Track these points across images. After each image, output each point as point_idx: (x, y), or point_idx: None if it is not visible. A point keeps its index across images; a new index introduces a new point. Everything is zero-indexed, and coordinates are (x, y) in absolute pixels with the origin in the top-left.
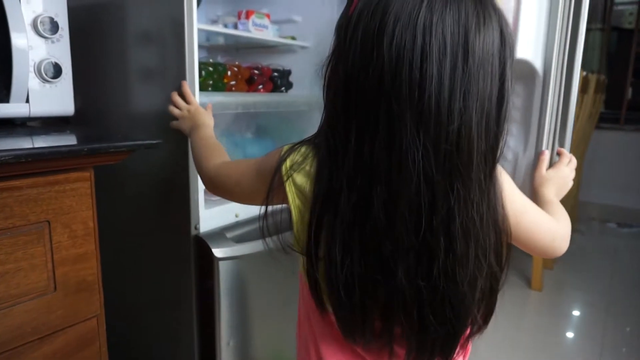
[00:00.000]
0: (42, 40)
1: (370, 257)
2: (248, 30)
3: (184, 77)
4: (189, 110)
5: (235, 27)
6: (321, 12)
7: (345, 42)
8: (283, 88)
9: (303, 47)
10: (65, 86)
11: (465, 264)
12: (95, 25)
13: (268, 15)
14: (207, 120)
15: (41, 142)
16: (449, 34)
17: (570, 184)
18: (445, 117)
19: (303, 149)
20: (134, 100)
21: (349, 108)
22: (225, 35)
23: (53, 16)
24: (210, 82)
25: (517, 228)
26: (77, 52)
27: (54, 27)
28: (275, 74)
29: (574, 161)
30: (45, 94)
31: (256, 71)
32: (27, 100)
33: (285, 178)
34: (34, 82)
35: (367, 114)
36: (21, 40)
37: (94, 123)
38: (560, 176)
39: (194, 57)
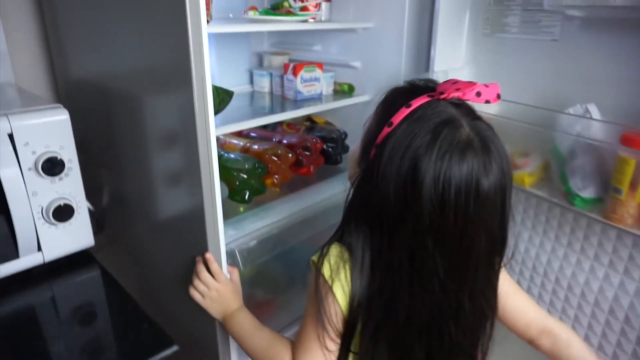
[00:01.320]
0: (48, 180)
1: (394, 348)
2: (296, 90)
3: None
4: (217, 290)
5: (281, 79)
6: (386, 59)
7: (381, 169)
8: (338, 156)
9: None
10: (81, 221)
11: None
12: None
13: (320, 65)
14: (239, 299)
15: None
16: (464, 184)
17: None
18: (458, 240)
19: (334, 252)
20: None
21: (383, 227)
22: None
23: (57, 151)
24: (247, 193)
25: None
26: None
27: (59, 164)
28: (329, 146)
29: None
30: (59, 236)
31: (305, 151)
32: (40, 249)
33: (330, 283)
34: (43, 228)
35: (397, 236)
36: (17, 190)
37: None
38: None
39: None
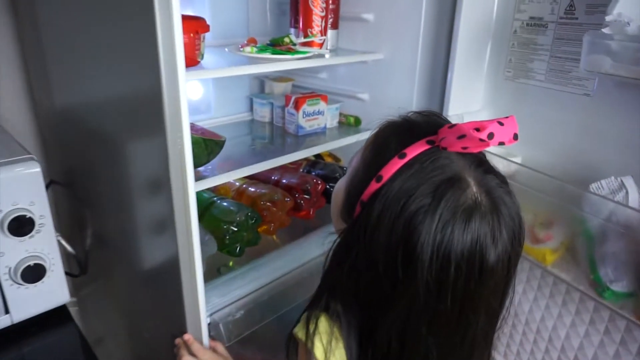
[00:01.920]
0: (16, 240)
1: None
2: (297, 125)
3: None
4: None
5: (283, 110)
6: (396, 93)
7: (369, 234)
8: None
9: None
10: (54, 279)
11: None
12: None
13: (325, 98)
14: None
15: None
16: (466, 258)
17: None
18: (455, 322)
19: (323, 328)
20: None
21: (372, 303)
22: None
23: (27, 208)
24: (237, 246)
25: None
26: None
27: (27, 224)
28: (332, 186)
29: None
30: (29, 296)
31: (305, 195)
32: (7, 311)
33: None
34: (11, 290)
35: (388, 317)
36: None
37: None
38: None
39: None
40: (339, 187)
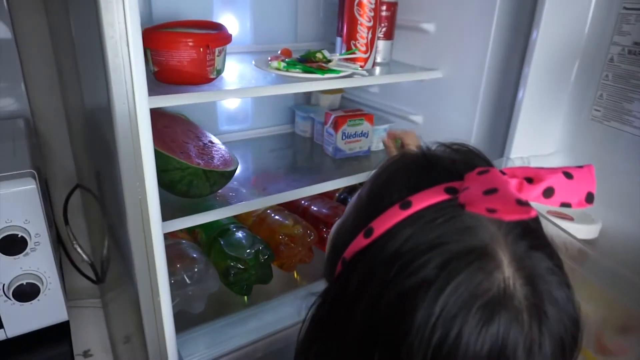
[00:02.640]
0: (10, 258)
1: None
2: (335, 147)
3: None
4: None
5: (323, 127)
6: (454, 119)
7: (345, 306)
8: None
9: None
10: (51, 297)
11: None
12: None
13: (370, 118)
14: None
15: None
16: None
17: None
18: None
19: None
20: None
21: None
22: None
23: (21, 226)
24: (244, 286)
25: None
26: None
27: (18, 243)
28: None
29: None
30: (24, 313)
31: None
32: (1, 326)
33: None
34: (5, 306)
35: None
36: None
37: None
38: None
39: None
40: (331, 232)
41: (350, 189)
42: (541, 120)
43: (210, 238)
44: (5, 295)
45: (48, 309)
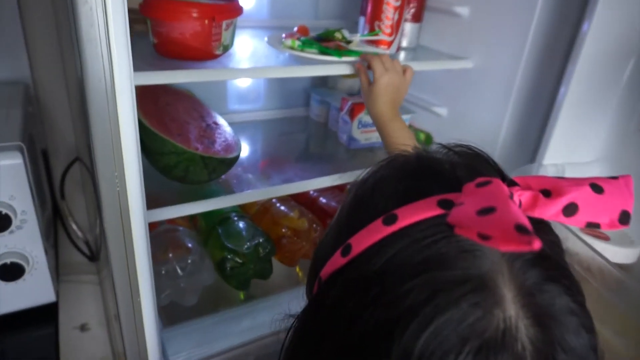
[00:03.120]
0: None
1: None
2: (349, 135)
3: None
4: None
5: (338, 113)
6: (482, 113)
7: (315, 331)
8: None
9: None
10: (37, 277)
11: None
12: None
13: None
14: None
15: None
16: None
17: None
18: None
19: None
20: None
21: None
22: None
23: (6, 202)
24: (242, 279)
25: None
26: None
27: (4, 219)
28: None
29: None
30: (9, 293)
31: None
32: None
33: None
34: None
35: None
36: None
37: None
38: (393, 84)
39: None
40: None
41: None
42: (583, 124)
43: (210, 226)
44: None
45: (34, 289)
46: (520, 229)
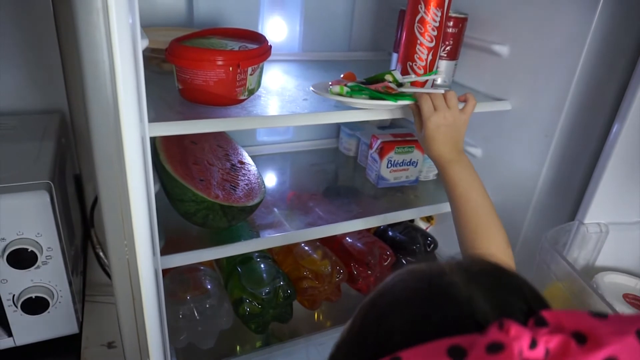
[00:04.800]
0: (20, 271)
1: None
2: (378, 174)
3: None
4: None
5: (366, 152)
6: (517, 157)
7: None
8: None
9: None
10: (61, 310)
11: None
12: None
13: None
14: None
15: None
16: None
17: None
18: None
19: None
20: None
21: None
22: None
23: (32, 239)
24: (261, 324)
25: None
26: None
27: (28, 258)
28: (404, 259)
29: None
30: (33, 324)
31: (366, 269)
32: (10, 334)
33: None
34: (14, 316)
35: None
36: None
37: None
38: (446, 124)
39: None
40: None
41: (391, 224)
42: (631, 180)
43: (231, 265)
44: (15, 305)
45: (58, 321)
46: None
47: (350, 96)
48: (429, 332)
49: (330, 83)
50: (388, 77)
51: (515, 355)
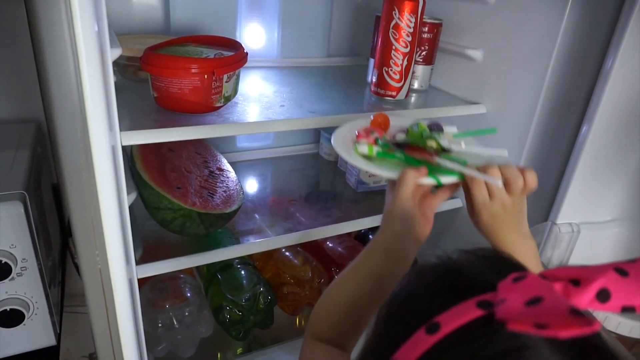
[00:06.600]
0: None
1: None
2: (357, 179)
3: None
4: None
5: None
6: None
7: None
8: None
9: None
10: (37, 322)
11: None
12: None
13: None
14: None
15: None
16: None
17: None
18: None
19: None
20: None
21: None
22: None
23: (7, 250)
24: (241, 330)
25: None
26: None
27: (4, 268)
28: None
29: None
30: (8, 337)
31: None
32: None
33: None
34: None
35: None
36: None
37: None
38: (505, 211)
39: None
40: None
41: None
42: (604, 179)
43: (211, 272)
44: None
45: (35, 333)
46: (575, 312)
47: (382, 158)
48: (455, 299)
49: (356, 133)
50: (431, 144)
51: (537, 276)
